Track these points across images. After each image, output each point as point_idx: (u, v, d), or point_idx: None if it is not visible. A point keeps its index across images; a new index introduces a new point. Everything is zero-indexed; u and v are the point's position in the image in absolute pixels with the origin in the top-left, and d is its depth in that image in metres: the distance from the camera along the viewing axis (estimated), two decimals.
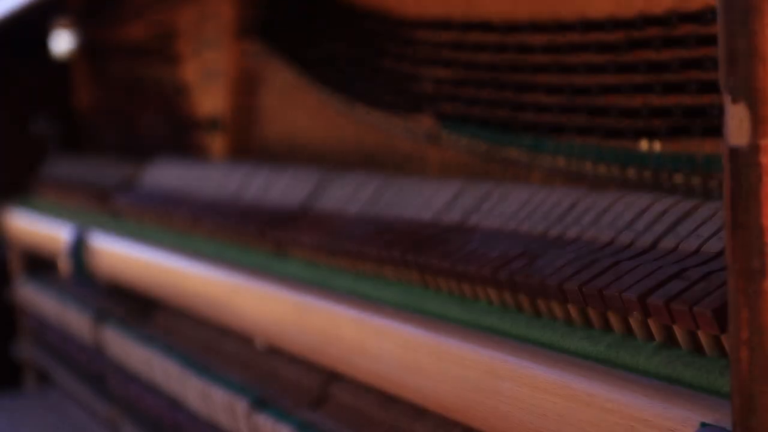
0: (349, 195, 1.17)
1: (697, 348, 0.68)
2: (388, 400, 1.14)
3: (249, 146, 1.88)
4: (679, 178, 0.98)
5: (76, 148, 2.75)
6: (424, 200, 1.05)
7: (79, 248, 1.78)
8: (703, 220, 0.76)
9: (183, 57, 2.12)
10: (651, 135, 0.99)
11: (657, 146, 1.01)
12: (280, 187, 1.31)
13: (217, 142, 1.99)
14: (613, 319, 0.73)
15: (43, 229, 2.11)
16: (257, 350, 1.41)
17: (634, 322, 0.71)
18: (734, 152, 0.52)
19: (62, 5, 2.51)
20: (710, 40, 0.95)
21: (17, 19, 2.25)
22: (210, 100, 2.00)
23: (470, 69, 1.24)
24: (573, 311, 0.77)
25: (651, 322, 0.70)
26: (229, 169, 1.50)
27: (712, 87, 0.94)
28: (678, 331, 0.68)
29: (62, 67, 2.83)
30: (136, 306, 1.88)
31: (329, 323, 1.01)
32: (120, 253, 1.64)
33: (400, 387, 0.90)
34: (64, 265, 1.80)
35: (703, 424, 0.61)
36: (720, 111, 0.57)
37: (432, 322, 0.88)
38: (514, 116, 1.16)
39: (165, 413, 1.58)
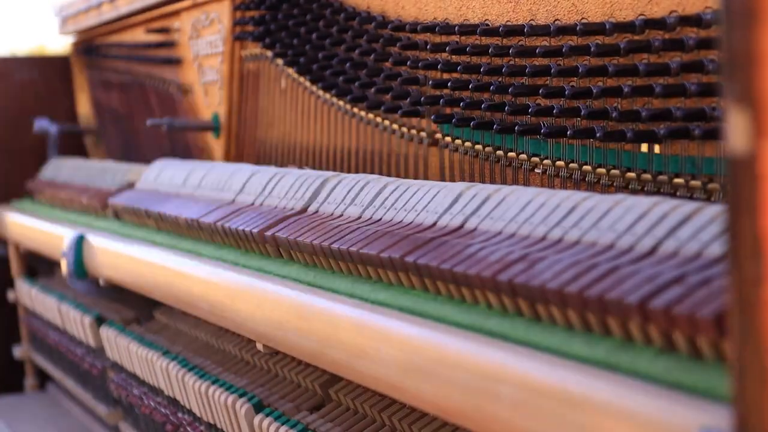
0: (348, 197, 1.17)
1: (697, 353, 0.67)
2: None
3: (248, 148, 1.88)
4: (680, 181, 0.98)
5: (76, 150, 2.75)
6: (423, 203, 1.05)
7: (78, 249, 1.78)
8: (704, 224, 0.76)
9: (183, 59, 2.12)
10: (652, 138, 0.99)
11: (657, 149, 1.00)
12: (280, 190, 1.31)
13: (217, 144, 1.98)
14: (613, 324, 0.73)
15: (43, 230, 2.11)
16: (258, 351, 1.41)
17: (634, 327, 0.71)
18: (734, 157, 0.52)
19: None
20: (711, 44, 0.94)
21: None
22: (210, 102, 2.00)
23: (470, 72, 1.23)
24: (573, 316, 0.76)
25: (651, 327, 0.70)
26: (228, 171, 1.49)
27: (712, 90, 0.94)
28: (678, 336, 0.68)
29: (63, 68, 2.82)
30: (137, 306, 1.88)
31: (328, 326, 1.01)
32: (119, 254, 1.64)
33: (400, 391, 0.90)
34: (64, 266, 1.80)
35: (703, 429, 0.60)
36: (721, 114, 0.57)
37: (431, 326, 0.87)
38: (513, 119, 1.16)
39: (165, 415, 1.58)
